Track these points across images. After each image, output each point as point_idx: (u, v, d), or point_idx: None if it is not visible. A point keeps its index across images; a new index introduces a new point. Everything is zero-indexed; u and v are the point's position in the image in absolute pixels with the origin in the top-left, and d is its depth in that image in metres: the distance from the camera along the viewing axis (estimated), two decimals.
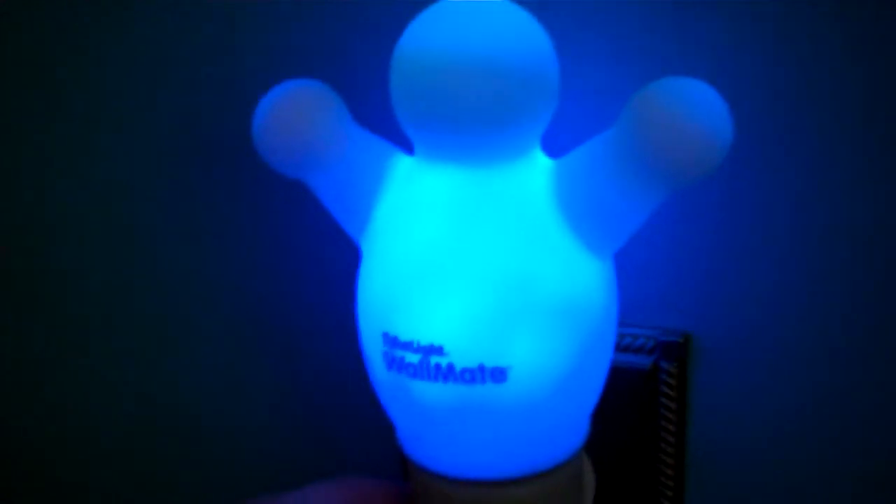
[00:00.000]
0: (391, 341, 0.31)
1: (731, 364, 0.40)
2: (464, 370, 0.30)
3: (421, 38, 0.30)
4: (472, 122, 0.29)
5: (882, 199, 0.36)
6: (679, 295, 0.40)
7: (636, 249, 0.40)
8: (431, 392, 0.31)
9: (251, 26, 0.42)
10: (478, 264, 0.30)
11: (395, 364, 0.32)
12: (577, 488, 0.36)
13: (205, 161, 0.46)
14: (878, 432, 0.39)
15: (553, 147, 0.34)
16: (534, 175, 0.31)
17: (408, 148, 0.34)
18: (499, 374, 0.30)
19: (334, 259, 0.45)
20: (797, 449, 0.41)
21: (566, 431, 0.33)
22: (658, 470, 0.42)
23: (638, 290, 0.40)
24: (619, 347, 0.41)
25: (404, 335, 0.31)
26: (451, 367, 0.30)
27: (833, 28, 0.35)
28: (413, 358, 0.31)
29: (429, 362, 0.31)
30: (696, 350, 0.41)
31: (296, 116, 0.32)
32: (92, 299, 0.51)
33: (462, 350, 0.30)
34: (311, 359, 0.49)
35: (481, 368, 0.30)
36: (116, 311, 0.51)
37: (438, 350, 0.30)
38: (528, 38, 0.30)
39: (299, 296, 0.47)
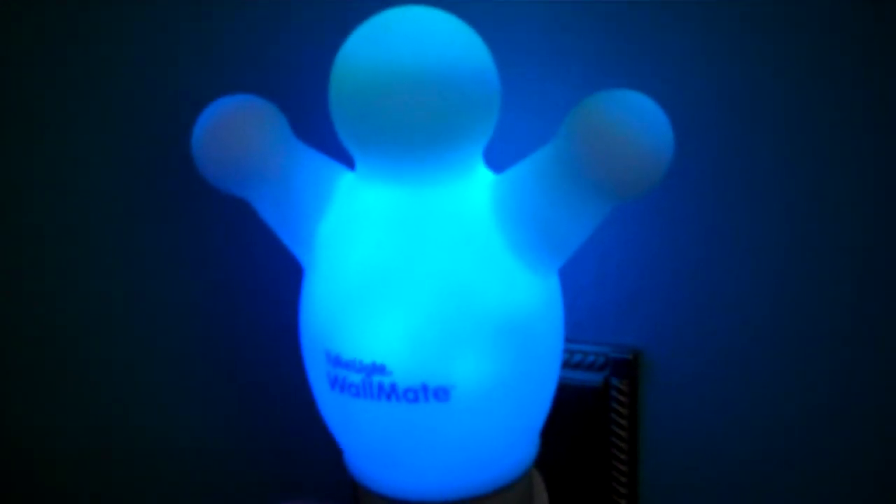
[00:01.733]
0: (334, 360, 0.31)
1: (681, 380, 0.40)
2: (407, 389, 0.30)
3: (358, 55, 0.29)
4: (411, 139, 0.29)
5: (834, 215, 0.36)
6: (629, 312, 0.40)
7: (586, 267, 0.40)
8: (375, 412, 0.31)
9: (192, 43, 0.42)
10: (420, 282, 0.30)
11: (337, 383, 0.31)
12: None
13: (146, 179, 0.45)
14: (827, 445, 0.39)
15: (498, 161, 0.34)
16: (476, 191, 0.31)
17: (350, 164, 0.33)
18: (442, 393, 0.30)
19: (279, 277, 0.44)
20: (748, 463, 0.41)
21: (513, 450, 0.33)
22: (611, 487, 0.42)
23: (588, 307, 0.40)
24: (570, 365, 0.41)
25: (346, 354, 0.30)
26: (393, 386, 0.30)
27: (774, 37, 0.35)
28: (356, 377, 0.30)
29: (371, 382, 0.30)
30: (647, 367, 0.41)
31: (234, 132, 0.31)
32: (35, 320, 0.50)
33: (405, 369, 0.30)
34: (258, 379, 0.48)
35: (424, 388, 0.30)
36: (58, 333, 0.50)
37: (381, 369, 0.30)
38: (467, 52, 0.29)
39: (244, 315, 0.46)
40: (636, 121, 0.28)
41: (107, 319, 0.49)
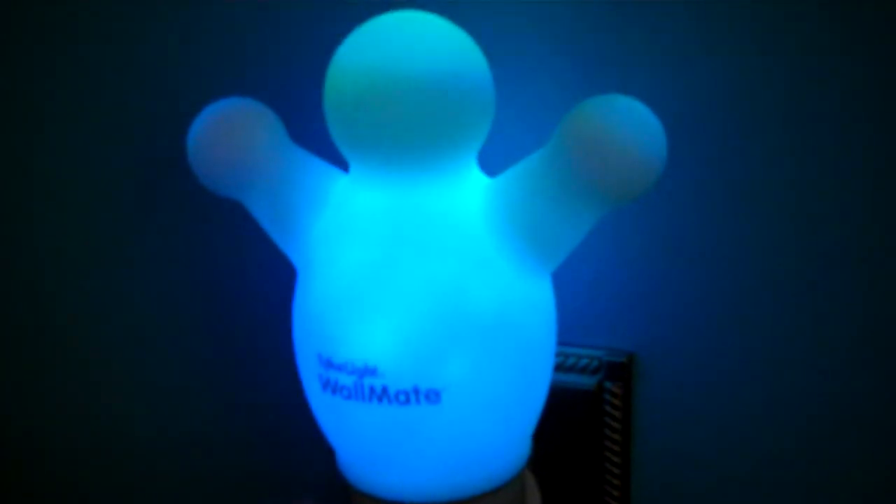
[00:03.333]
0: (326, 363, 0.31)
1: (674, 383, 0.40)
2: (398, 392, 0.30)
3: (352, 59, 0.29)
4: (404, 144, 0.29)
5: (830, 218, 0.36)
6: (623, 315, 0.40)
7: (580, 271, 0.40)
8: (367, 414, 0.31)
9: (186, 45, 0.42)
10: (413, 286, 0.30)
11: (329, 386, 0.31)
12: None
13: (140, 180, 0.45)
14: (820, 446, 0.39)
15: (491, 164, 0.34)
16: (469, 194, 0.31)
17: (345, 167, 0.33)
18: (433, 396, 0.30)
19: (273, 279, 0.44)
20: (741, 465, 0.41)
21: (505, 452, 0.33)
22: (604, 490, 0.42)
23: (582, 310, 0.40)
24: (564, 368, 0.41)
25: (338, 357, 0.31)
26: (385, 388, 0.30)
27: (770, 36, 0.35)
28: (347, 380, 0.31)
29: (363, 384, 0.30)
30: (640, 370, 0.41)
31: (230, 133, 0.31)
32: (29, 320, 0.50)
33: (396, 372, 0.30)
34: (252, 380, 0.48)
35: (415, 390, 0.30)
36: (56, 334, 0.50)
37: (373, 371, 0.30)
38: (461, 56, 0.30)
39: (238, 318, 0.46)
40: (629, 126, 0.28)
41: (99, 320, 0.49)
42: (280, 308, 0.44)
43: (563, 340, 0.40)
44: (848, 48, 0.34)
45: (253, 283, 0.45)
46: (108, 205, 0.47)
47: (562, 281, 0.39)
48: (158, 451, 0.52)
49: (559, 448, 0.42)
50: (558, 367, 0.40)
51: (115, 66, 0.44)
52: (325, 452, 0.47)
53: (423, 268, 0.30)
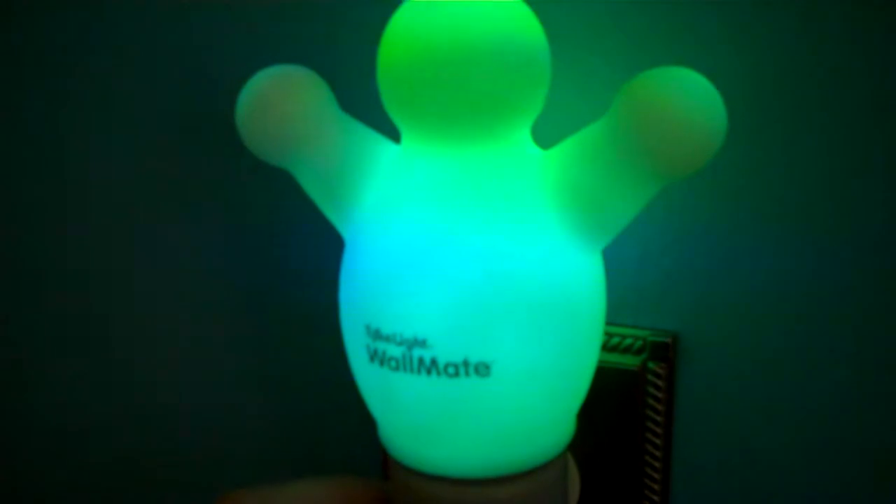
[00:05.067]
0: (374, 333, 0.31)
1: (718, 364, 0.40)
2: (447, 364, 0.30)
3: (407, 26, 0.29)
4: (461, 111, 0.29)
5: (877, 202, 0.36)
6: (667, 295, 0.40)
7: (627, 249, 0.39)
8: (414, 386, 0.30)
9: (236, 17, 0.42)
10: (464, 256, 0.29)
11: (377, 357, 0.31)
12: (562, 489, 0.36)
13: (188, 151, 0.45)
14: (869, 432, 0.39)
15: (544, 137, 0.33)
16: (524, 165, 0.31)
17: (395, 137, 0.33)
18: (483, 369, 0.30)
19: (321, 249, 0.44)
20: (784, 450, 0.40)
21: (550, 430, 0.33)
22: (644, 472, 0.42)
23: (626, 289, 0.40)
24: (608, 347, 0.40)
25: (387, 327, 0.30)
26: (434, 360, 0.30)
27: (835, 24, 0.34)
28: (396, 351, 0.30)
29: (412, 355, 0.30)
30: (684, 350, 0.40)
31: (281, 99, 0.31)
32: (71, 294, 0.51)
33: (446, 343, 0.29)
34: (294, 352, 0.48)
35: (465, 362, 0.30)
36: (97, 304, 0.51)
37: (422, 343, 0.30)
38: (517, 23, 0.29)
39: (285, 287, 0.46)
40: (688, 98, 0.27)
41: (137, 290, 0.49)
42: (327, 280, 0.44)
43: (607, 319, 0.40)
44: None
45: (300, 253, 0.45)
46: (151, 173, 0.47)
47: (608, 258, 0.38)
48: (191, 425, 0.52)
49: (600, 428, 0.42)
50: (602, 346, 0.40)
51: (165, 37, 0.44)
52: (366, 426, 0.47)
53: (474, 239, 0.30)
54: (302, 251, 0.45)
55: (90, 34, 0.45)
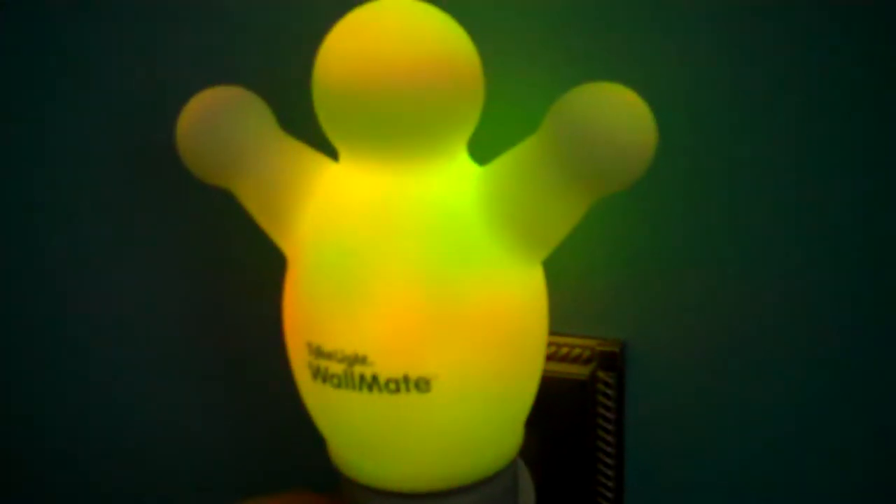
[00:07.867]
0: (316, 351, 0.31)
1: (667, 372, 0.40)
2: (388, 380, 0.30)
3: (339, 49, 0.29)
4: (394, 132, 0.29)
5: (825, 206, 0.36)
6: (614, 304, 0.40)
7: (572, 259, 0.40)
8: (357, 402, 0.31)
9: (176, 34, 0.42)
10: (402, 273, 0.30)
11: (320, 374, 0.31)
12: (512, 499, 0.36)
13: (129, 173, 0.45)
14: (818, 433, 0.39)
15: (481, 153, 0.34)
16: (460, 181, 0.31)
17: (334, 154, 0.33)
18: (423, 384, 0.30)
19: (265, 268, 0.44)
20: (735, 455, 0.41)
21: (496, 442, 0.33)
22: (597, 480, 0.42)
23: (574, 300, 0.40)
24: (557, 357, 0.41)
25: (328, 345, 0.30)
26: (375, 377, 0.30)
27: (774, 31, 0.35)
28: (337, 368, 0.30)
29: (353, 372, 0.30)
30: (632, 359, 0.41)
31: (219, 120, 0.31)
32: (21, 311, 0.50)
33: (386, 360, 0.30)
34: (244, 370, 0.48)
35: (405, 378, 0.30)
36: (49, 326, 0.50)
37: (362, 360, 0.30)
38: (448, 43, 0.29)
39: (229, 306, 0.46)
40: (619, 113, 0.27)
41: (87, 314, 0.49)
42: (271, 298, 0.44)
43: (555, 330, 0.40)
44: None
45: (243, 273, 0.45)
46: (97, 195, 0.47)
47: (555, 270, 0.39)
48: (146, 443, 0.52)
49: (552, 438, 0.42)
50: (551, 357, 0.40)
51: (103, 54, 0.43)
52: (318, 441, 0.47)
53: (412, 256, 0.30)
54: (248, 269, 0.45)
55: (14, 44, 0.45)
